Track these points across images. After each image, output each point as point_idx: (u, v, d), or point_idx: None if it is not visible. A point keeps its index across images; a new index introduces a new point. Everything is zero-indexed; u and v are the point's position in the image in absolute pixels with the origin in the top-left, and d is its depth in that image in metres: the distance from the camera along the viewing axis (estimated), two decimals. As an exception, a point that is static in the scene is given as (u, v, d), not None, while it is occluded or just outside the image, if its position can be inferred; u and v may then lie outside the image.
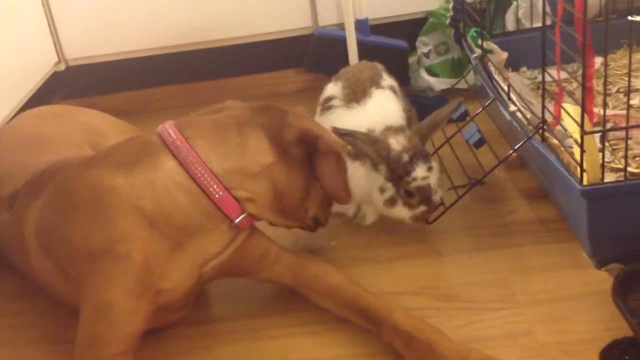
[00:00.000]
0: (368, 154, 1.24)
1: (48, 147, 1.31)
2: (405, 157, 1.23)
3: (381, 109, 1.33)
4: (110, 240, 1.00)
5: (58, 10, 1.95)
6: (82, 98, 2.08)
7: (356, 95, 1.34)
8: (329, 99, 1.37)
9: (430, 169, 1.23)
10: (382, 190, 1.25)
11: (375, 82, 1.37)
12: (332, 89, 1.39)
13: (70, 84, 2.09)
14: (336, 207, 1.36)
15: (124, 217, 1.01)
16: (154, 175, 1.03)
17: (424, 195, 1.23)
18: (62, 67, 2.01)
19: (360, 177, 1.28)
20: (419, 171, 1.22)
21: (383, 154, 1.23)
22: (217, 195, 1.05)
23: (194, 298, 1.16)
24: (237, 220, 1.08)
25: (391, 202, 1.25)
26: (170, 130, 1.07)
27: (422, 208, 1.24)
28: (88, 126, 1.43)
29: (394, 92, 1.39)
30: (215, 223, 1.07)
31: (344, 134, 1.22)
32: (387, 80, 1.41)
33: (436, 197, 1.25)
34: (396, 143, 1.24)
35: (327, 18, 1.96)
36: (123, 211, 1.01)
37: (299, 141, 1.10)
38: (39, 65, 1.91)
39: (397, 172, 1.23)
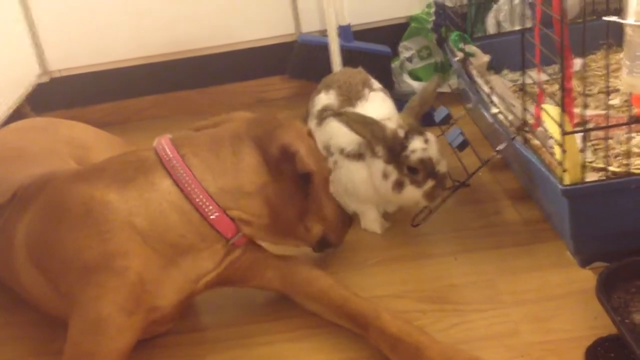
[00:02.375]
0: (364, 135, 1.24)
1: (32, 160, 1.30)
2: (401, 133, 1.23)
3: (378, 109, 1.34)
4: (104, 254, 1.00)
5: (41, 22, 1.95)
6: (66, 110, 2.07)
7: (351, 100, 1.35)
8: (325, 109, 1.37)
9: (427, 140, 1.23)
10: (385, 175, 1.25)
11: (368, 85, 1.39)
12: (325, 99, 1.39)
13: (54, 96, 2.09)
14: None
15: (118, 232, 1.01)
16: (148, 193, 1.03)
17: (427, 167, 1.22)
18: (45, 78, 2.01)
19: (364, 177, 1.29)
20: (417, 143, 1.22)
21: (378, 135, 1.23)
22: (212, 217, 1.05)
23: (184, 310, 1.16)
24: (232, 240, 1.08)
25: (398, 185, 1.24)
26: (167, 147, 1.06)
27: (430, 183, 1.23)
28: (72, 139, 1.43)
29: (385, 94, 1.41)
30: (210, 243, 1.07)
31: (338, 114, 1.24)
32: (376, 83, 1.43)
33: (441, 168, 1.24)
34: (391, 123, 1.25)
35: (309, 25, 1.97)
36: (117, 227, 1.01)
37: (284, 156, 1.08)
38: (22, 78, 1.90)
39: (395, 149, 1.22)
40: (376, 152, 1.25)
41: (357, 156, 1.29)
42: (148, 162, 1.06)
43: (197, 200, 1.03)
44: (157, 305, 1.05)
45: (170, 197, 1.03)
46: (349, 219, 1.28)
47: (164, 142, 1.08)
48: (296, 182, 1.11)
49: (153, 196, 1.03)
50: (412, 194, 1.25)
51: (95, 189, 1.03)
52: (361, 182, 1.30)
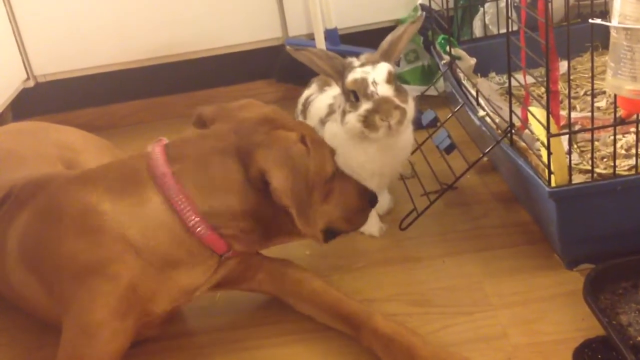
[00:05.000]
0: (325, 70, 1.24)
1: (20, 163, 1.30)
2: (356, 64, 1.22)
3: None
4: (99, 260, 1.00)
5: (26, 26, 1.94)
6: (52, 115, 2.06)
7: (328, 81, 1.37)
8: (307, 98, 1.40)
9: (374, 65, 1.19)
10: (339, 106, 1.24)
11: None
12: (306, 92, 1.43)
13: (39, 101, 2.07)
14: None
15: (112, 242, 1.00)
16: (140, 209, 1.02)
17: (359, 87, 1.18)
18: (31, 83, 2.00)
19: (338, 132, 1.27)
20: (359, 68, 1.20)
21: (339, 68, 1.23)
22: (205, 234, 1.03)
23: (174, 315, 1.16)
24: (224, 256, 1.07)
25: (343, 114, 1.22)
26: (160, 162, 1.04)
27: (365, 106, 1.18)
28: (61, 142, 1.42)
29: None
30: (202, 259, 1.06)
31: (300, 50, 1.23)
32: None
33: (381, 90, 1.18)
34: (356, 60, 1.23)
35: (296, 28, 1.97)
36: (112, 238, 1.00)
37: (265, 179, 1.02)
38: (8, 83, 1.89)
39: (343, 76, 1.21)
40: (338, 85, 1.24)
41: (330, 114, 1.30)
42: (141, 176, 1.04)
43: (189, 219, 1.02)
44: (150, 310, 1.04)
45: (162, 216, 1.02)
46: (367, 202, 1.19)
47: (158, 154, 1.05)
48: None
49: (145, 212, 1.02)
50: (350, 119, 1.20)
51: (90, 198, 1.02)
52: (337, 135, 1.26)
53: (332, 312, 1.12)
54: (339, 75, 1.23)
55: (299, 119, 1.43)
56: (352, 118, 1.20)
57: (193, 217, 1.02)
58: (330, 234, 1.17)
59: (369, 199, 1.20)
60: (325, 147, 1.13)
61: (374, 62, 1.21)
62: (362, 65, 1.21)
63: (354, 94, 1.20)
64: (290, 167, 1.02)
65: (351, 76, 1.20)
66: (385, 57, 1.24)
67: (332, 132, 1.27)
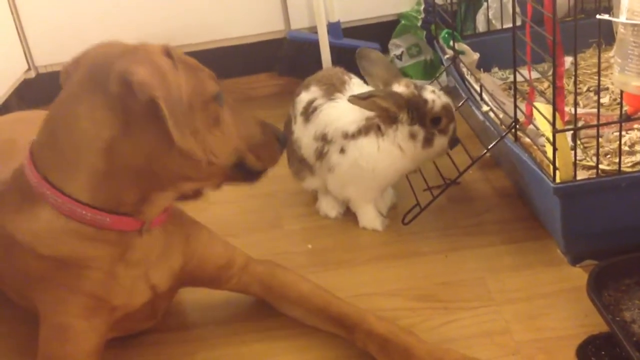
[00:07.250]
0: (387, 107, 1.26)
1: (19, 153, 1.29)
2: (415, 90, 1.28)
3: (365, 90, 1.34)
4: (43, 274, 0.99)
5: (27, 16, 1.93)
6: (53, 105, 2.05)
7: (336, 86, 1.34)
8: (310, 103, 1.35)
9: (433, 91, 1.29)
10: (412, 136, 1.27)
11: (348, 75, 1.39)
12: (307, 95, 1.36)
13: (40, 91, 2.06)
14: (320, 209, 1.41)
15: (37, 262, 0.98)
16: (36, 225, 0.97)
17: (448, 112, 1.28)
18: (32, 74, 1.99)
19: (386, 148, 1.29)
20: (428, 94, 1.27)
21: (401, 102, 1.26)
22: (107, 222, 0.96)
23: (165, 307, 1.14)
24: (145, 228, 1.01)
25: (427, 140, 1.27)
26: (30, 170, 0.98)
27: (452, 127, 1.29)
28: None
29: (364, 82, 1.42)
30: (125, 241, 1.00)
31: (365, 97, 1.25)
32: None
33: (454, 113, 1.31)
34: (399, 87, 1.29)
35: (299, 21, 1.96)
36: (33, 258, 0.98)
37: (125, 89, 0.90)
38: (9, 73, 1.88)
39: (420, 106, 1.26)
40: (399, 119, 1.27)
41: (365, 132, 1.29)
42: (25, 189, 0.98)
43: (82, 215, 0.95)
44: (116, 307, 1.03)
45: (56, 224, 0.96)
46: (272, 136, 1.09)
47: (26, 161, 0.99)
48: (154, 115, 0.91)
49: (41, 228, 0.97)
50: (442, 143, 1.29)
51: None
52: (380, 154, 1.29)
53: (322, 315, 1.10)
54: (400, 107, 1.26)
55: (297, 119, 1.37)
56: (444, 142, 1.29)
57: (84, 212, 0.95)
58: (246, 172, 1.06)
59: (278, 137, 1.09)
60: (202, 69, 1.03)
61: (431, 88, 1.30)
62: (419, 89, 1.28)
63: (439, 120, 1.27)
64: (156, 71, 0.91)
65: (437, 104, 1.27)
66: (399, 76, 1.32)
67: (373, 147, 1.28)
